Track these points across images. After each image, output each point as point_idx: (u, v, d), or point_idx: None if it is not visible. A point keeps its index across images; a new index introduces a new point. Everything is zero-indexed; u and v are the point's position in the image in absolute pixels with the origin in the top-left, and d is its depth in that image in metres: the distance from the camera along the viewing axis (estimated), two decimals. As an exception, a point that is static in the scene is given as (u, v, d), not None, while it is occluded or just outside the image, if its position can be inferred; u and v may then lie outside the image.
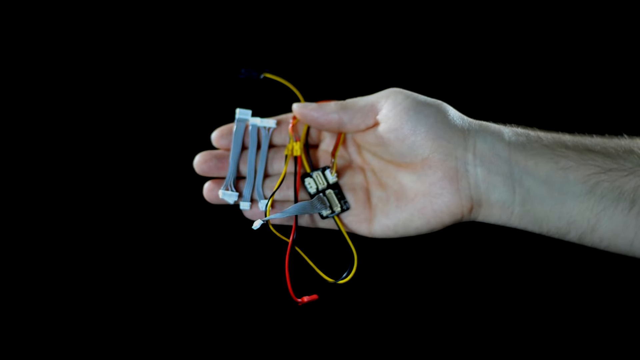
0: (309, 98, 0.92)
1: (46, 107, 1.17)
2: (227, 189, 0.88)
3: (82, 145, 1.17)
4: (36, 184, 1.15)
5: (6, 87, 1.17)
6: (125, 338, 1.12)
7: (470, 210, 0.82)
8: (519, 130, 0.83)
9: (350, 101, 0.86)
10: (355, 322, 1.13)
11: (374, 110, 0.84)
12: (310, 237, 0.88)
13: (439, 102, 0.83)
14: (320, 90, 1.03)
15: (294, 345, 1.12)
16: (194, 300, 1.13)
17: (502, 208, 0.82)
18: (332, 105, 0.87)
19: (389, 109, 0.83)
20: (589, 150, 0.81)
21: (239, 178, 0.90)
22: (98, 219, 1.15)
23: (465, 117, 0.83)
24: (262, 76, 0.91)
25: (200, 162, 0.89)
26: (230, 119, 0.93)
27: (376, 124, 0.85)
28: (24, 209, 1.15)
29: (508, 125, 0.84)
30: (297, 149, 0.89)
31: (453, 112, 0.83)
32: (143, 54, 1.20)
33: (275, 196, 0.88)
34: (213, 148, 0.92)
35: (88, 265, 1.13)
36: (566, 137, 0.83)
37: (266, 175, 0.90)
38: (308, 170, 0.89)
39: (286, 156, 0.89)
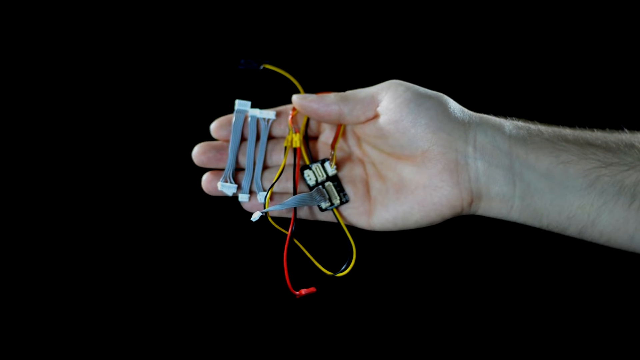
0: (309, 89, 0.92)
1: (44, 100, 1.17)
2: (226, 181, 0.88)
3: (80, 139, 1.17)
4: (31, 178, 1.15)
5: (4, 83, 1.17)
6: (122, 331, 1.12)
7: (470, 203, 0.82)
8: (520, 123, 0.83)
9: (350, 92, 0.86)
10: (353, 314, 1.13)
11: (374, 101, 0.84)
12: (309, 230, 0.87)
13: (440, 94, 0.83)
14: (319, 82, 1.03)
15: (291, 338, 1.12)
16: (192, 292, 1.13)
17: (502, 201, 0.81)
18: (332, 96, 0.86)
19: (389, 100, 0.83)
20: (589, 144, 0.81)
21: (237, 170, 0.90)
22: (96, 211, 1.14)
23: (466, 110, 0.83)
24: (261, 67, 0.90)
25: (198, 153, 0.89)
26: (229, 110, 0.93)
27: (376, 116, 0.85)
28: (22, 203, 1.14)
29: (509, 118, 0.84)
30: (296, 140, 0.89)
31: (454, 105, 0.83)
32: (141, 46, 1.19)
33: (275, 188, 0.88)
34: (211, 139, 0.91)
35: (86, 255, 1.13)
36: (567, 131, 0.83)
37: (265, 167, 0.90)
38: (307, 162, 0.89)
39: (285, 148, 0.89)
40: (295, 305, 1.10)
